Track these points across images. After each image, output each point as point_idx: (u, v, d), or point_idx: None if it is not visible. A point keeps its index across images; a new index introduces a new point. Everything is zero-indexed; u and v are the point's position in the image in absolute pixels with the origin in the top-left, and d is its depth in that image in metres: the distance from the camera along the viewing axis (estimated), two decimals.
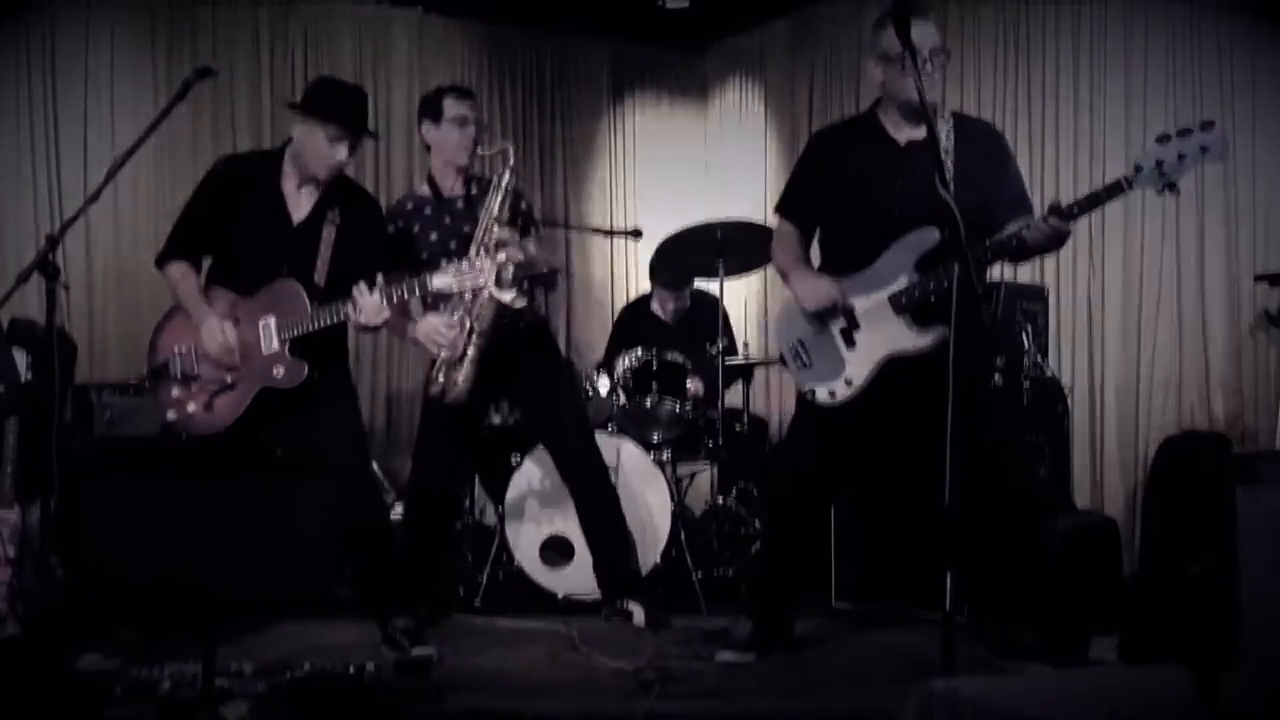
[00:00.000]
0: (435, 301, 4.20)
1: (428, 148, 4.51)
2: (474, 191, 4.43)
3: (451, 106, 4.41)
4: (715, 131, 7.59)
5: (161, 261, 3.92)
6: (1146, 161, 3.23)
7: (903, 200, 3.61)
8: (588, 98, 7.37)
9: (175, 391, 3.83)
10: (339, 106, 3.79)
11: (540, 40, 7.18)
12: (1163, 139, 3.24)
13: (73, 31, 5.89)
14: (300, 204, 3.87)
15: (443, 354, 4.18)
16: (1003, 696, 2.21)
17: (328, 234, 3.82)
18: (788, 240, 3.85)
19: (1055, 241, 3.47)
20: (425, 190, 4.48)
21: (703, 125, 7.68)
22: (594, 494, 4.52)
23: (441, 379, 4.26)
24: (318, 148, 3.77)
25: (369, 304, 3.69)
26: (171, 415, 3.84)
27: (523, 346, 4.41)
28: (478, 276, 3.73)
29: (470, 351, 4.20)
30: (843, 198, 3.73)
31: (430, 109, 4.45)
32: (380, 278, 3.73)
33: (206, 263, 3.99)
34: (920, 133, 3.62)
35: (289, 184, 3.87)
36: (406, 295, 3.79)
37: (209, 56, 6.01)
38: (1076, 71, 5.44)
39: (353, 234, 3.86)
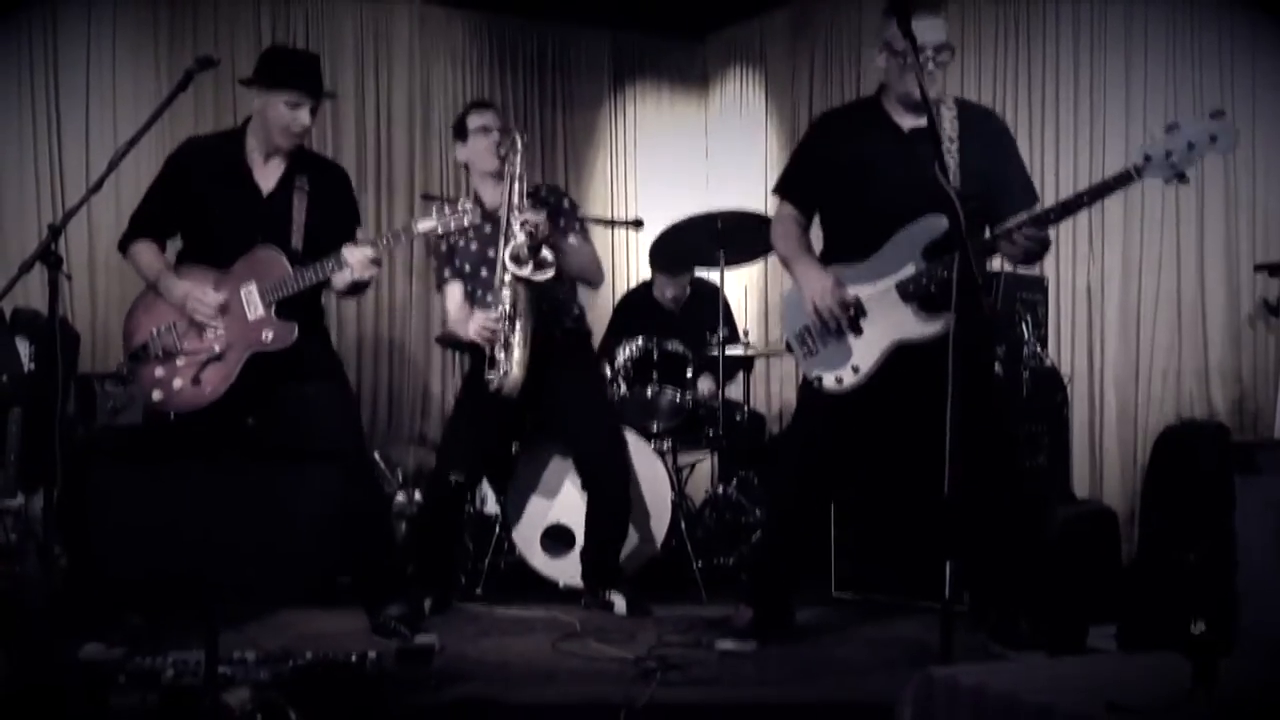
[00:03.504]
0: (480, 295, 4.31)
1: (467, 168, 4.58)
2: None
3: (473, 119, 4.49)
4: (716, 120, 7.58)
5: (124, 244, 3.90)
6: (1155, 150, 3.15)
7: (907, 187, 3.55)
8: (588, 87, 7.36)
9: (158, 371, 3.77)
10: (294, 72, 3.79)
11: (541, 29, 7.17)
12: (1172, 128, 3.17)
13: (75, 21, 5.88)
14: (268, 176, 3.86)
15: (490, 346, 4.23)
16: (1001, 684, 2.22)
17: (299, 200, 3.82)
18: (789, 223, 3.82)
19: (1039, 250, 3.49)
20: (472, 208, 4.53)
21: (703, 114, 7.67)
22: (613, 499, 4.53)
23: (497, 371, 4.25)
24: (279, 116, 3.77)
25: (358, 256, 3.72)
26: (157, 395, 3.77)
27: (559, 352, 4.41)
28: (462, 217, 3.78)
29: (516, 336, 4.23)
30: (846, 182, 3.70)
31: (458, 131, 4.54)
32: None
33: (176, 246, 3.96)
34: (923, 120, 3.59)
35: (254, 158, 3.86)
36: (392, 243, 3.86)
37: (211, 46, 6.00)
38: (1076, 63, 5.43)
39: (323, 199, 3.87)
